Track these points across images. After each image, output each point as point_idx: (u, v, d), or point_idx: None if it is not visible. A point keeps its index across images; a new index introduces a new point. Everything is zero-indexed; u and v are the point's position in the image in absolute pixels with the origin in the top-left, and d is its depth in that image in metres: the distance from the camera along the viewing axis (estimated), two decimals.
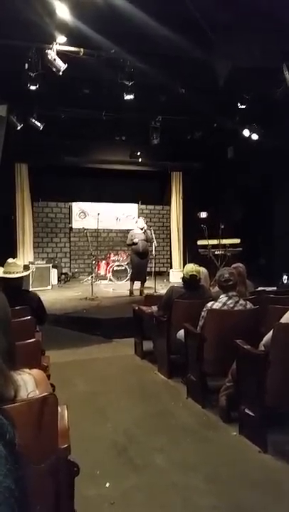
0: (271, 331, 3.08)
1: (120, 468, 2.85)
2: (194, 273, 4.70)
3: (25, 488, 0.83)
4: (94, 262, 10.43)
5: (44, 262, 11.18)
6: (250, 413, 3.13)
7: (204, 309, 3.92)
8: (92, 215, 12.16)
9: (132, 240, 9.01)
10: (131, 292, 9.28)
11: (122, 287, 10.29)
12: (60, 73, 6.47)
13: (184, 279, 4.83)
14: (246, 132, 9.51)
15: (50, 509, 1.54)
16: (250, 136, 9.53)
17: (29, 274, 9.60)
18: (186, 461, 2.94)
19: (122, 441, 3.23)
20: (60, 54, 6.36)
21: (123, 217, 13.27)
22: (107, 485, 2.64)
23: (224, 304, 3.87)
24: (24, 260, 10.83)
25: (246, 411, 3.17)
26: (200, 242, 10.85)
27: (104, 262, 11.97)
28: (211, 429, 3.43)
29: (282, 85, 6.81)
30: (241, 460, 2.96)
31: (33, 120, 9.00)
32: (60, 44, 6.29)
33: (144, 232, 9.10)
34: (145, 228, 9.17)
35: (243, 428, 3.26)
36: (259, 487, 2.61)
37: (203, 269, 5.17)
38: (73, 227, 12.94)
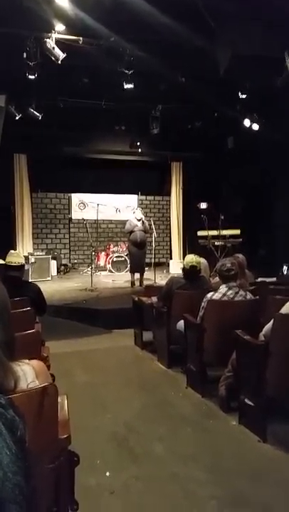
0: (271, 321, 3.09)
1: (120, 458, 2.87)
2: (194, 264, 4.70)
3: (35, 487, 0.82)
4: (93, 253, 10.41)
5: (43, 253, 11.18)
6: (250, 403, 3.14)
7: (204, 300, 3.91)
8: (91, 206, 12.12)
9: (132, 229, 8.97)
10: (132, 283, 9.23)
11: (121, 278, 10.29)
12: (59, 62, 6.41)
13: (184, 269, 4.83)
14: (247, 122, 9.43)
15: (50, 498, 1.54)
16: (250, 126, 9.45)
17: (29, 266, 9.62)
18: (185, 450, 2.96)
19: (121, 431, 3.24)
20: (59, 43, 6.30)
21: (123, 207, 13.21)
22: (107, 474, 2.65)
23: (224, 294, 3.86)
24: (23, 251, 10.82)
25: (246, 401, 3.19)
26: (200, 233, 10.84)
27: (103, 253, 11.96)
28: (210, 419, 3.45)
29: (283, 74, 6.74)
30: (241, 450, 2.97)
31: (32, 110, 8.93)
32: (58, 32, 6.22)
33: (142, 223, 9.07)
34: (143, 219, 9.13)
35: (243, 418, 3.27)
36: (259, 476, 2.63)
37: (203, 260, 5.17)
38: (73, 218, 12.91)
